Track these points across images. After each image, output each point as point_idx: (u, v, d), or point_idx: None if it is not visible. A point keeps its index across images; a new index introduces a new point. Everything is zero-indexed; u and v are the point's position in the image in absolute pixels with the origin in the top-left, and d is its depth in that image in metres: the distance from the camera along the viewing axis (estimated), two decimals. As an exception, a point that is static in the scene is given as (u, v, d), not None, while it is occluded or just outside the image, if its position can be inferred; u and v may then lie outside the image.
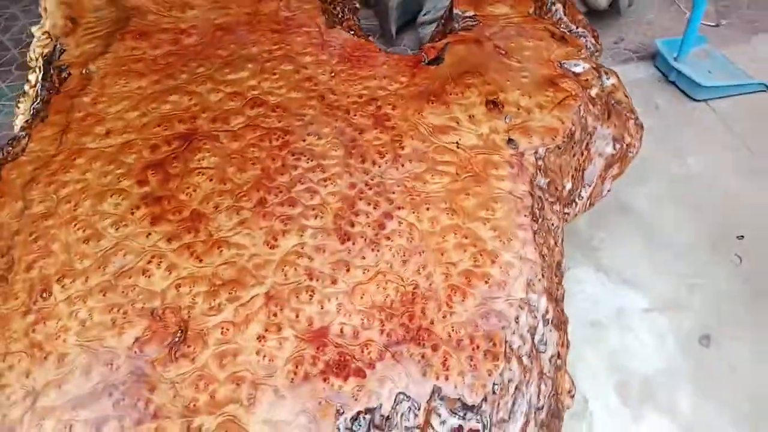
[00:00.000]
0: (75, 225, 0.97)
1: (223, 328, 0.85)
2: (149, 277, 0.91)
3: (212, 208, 1.00)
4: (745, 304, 1.60)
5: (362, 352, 0.83)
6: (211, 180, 1.03)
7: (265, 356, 0.83)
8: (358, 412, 0.78)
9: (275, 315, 0.86)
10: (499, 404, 0.80)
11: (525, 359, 0.84)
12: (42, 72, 1.25)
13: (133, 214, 0.98)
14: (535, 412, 0.82)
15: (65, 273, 0.91)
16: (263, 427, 0.77)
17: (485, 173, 1.04)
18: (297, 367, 0.82)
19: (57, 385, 0.80)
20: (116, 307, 0.88)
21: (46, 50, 1.27)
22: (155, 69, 1.22)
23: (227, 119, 1.12)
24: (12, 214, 0.99)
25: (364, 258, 0.93)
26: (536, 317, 0.88)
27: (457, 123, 1.12)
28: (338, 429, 0.77)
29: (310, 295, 0.89)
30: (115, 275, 0.91)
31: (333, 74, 1.21)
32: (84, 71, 1.21)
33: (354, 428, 0.77)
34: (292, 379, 0.81)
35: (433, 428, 0.78)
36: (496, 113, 1.13)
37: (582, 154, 1.14)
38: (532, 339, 0.86)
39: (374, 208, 0.99)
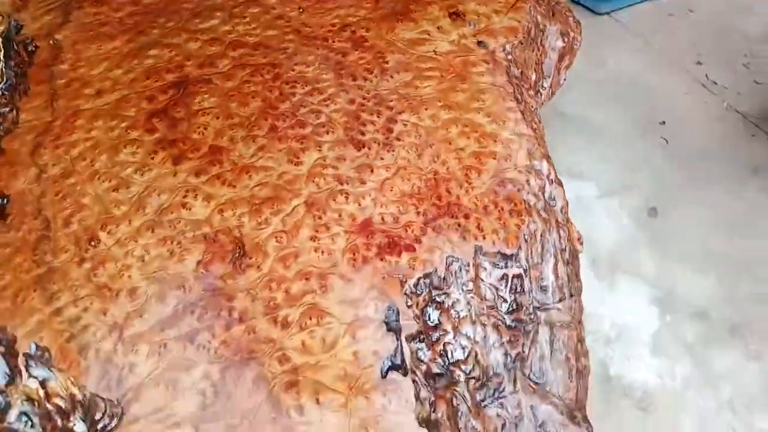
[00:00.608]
0: (99, 178, 1.00)
1: (276, 237, 0.92)
2: (190, 209, 0.96)
3: (228, 141, 1.05)
4: (681, 177, 1.84)
5: (406, 231, 0.93)
6: (218, 118, 1.08)
7: (323, 252, 0.90)
8: (418, 278, 0.88)
9: (320, 218, 0.94)
10: (531, 251, 0.93)
11: (542, 212, 0.97)
12: (2, 50, 1.22)
13: (153, 159, 1.02)
14: (560, 253, 0.95)
15: (106, 221, 0.94)
16: (341, 306, 0.85)
17: (466, 72, 1.15)
18: (354, 254, 0.90)
19: (137, 315, 0.84)
20: (168, 240, 0.92)
21: (1, 28, 1.24)
22: (124, 29, 1.23)
23: (213, 63, 1.17)
24: (29, 180, 1.00)
25: (382, 159, 1.02)
26: (542, 178, 1.01)
27: (429, 35, 1.22)
28: (405, 294, 0.86)
29: (346, 197, 0.97)
30: (157, 213, 0.95)
31: (301, 10, 1.28)
32: (52, 42, 1.20)
33: (417, 291, 0.87)
34: (353, 264, 0.89)
35: (482, 280, 0.89)
36: (460, 22, 1.24)
37: (539, 49, 1.28)
38: (543, 196, 0.99)
39: (377, 116, 1.08)
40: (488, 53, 1.19)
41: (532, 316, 0.89)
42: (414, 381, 0.82)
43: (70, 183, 1.00)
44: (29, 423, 0.73)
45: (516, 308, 0.90)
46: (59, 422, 0.74)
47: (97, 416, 0.77)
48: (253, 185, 0.99)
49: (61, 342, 0.82)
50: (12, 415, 0.72)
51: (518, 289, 0.91)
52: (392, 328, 0.84)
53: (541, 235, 0.95)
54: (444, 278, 0.90)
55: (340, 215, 0.96)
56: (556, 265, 0.93)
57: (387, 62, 1.18)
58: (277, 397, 0.79)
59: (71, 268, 0.90)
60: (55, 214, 0.96)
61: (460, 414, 0.82)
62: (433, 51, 1.19)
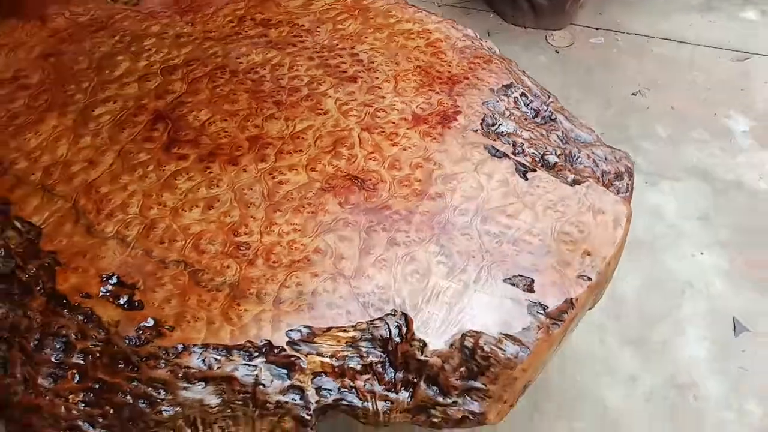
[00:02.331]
0: (183, 209, 0.97)
1: (372, 159, 1.05)
2: (287, 182, 1.02)
3: (255, 128, 1.10)
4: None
5: (445, 105, 1.15)
6: (225, 120, 1.12)
7: (410, 150, 1.07)
8: (480, 124, 1.12)
9: (382, 131, 1.10)
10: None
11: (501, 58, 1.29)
12: None
13: (210, 172, 1.03)
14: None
15: (232, 228, 0.95)
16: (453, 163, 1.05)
17: (363, 4, 1.38)
18: (431, 136, 1.09)
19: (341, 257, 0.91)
20: (299, 208, 0.98)
21: None
22: (43, 109, 1.13)
23: (167, 90, 1.17)
24: (119, 253, 0.92)
25: (377, 77, 1.20)
26: (470, 38, 1.32)
27: (309, -4, 1.40)
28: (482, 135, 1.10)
29: (383, 112, 1.13)
30: (265, 199, 0.99)
31: (192, 24, 1.32)
32: (-21, 155, 1.04)
33: (486, 131, 1.11)
34: (439, 140, 1.09)
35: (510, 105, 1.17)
36: (319, -20, 1.45)
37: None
38: (480, 42, 1.31)
39: (341, 58, 1.25)
40: (361, -11, 1.44)
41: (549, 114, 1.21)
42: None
43: (162, 228, 0.95)
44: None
45: (536, 113, 1.21)
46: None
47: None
48: (313, 142, 1.08)
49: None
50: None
51: (528, 102, 1.22)
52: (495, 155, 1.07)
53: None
54: (493, 116, 1.15)
55: (394, 123, 1.12)
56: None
57: (303, 25, 1.33)
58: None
59: (259, 275, 0.90)
60: (185, 255, 0.92)
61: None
62: (325, 2, 1.39)
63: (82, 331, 0.87)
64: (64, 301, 0.89)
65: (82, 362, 0.86)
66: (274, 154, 1.07)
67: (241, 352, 0.85)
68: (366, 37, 1.31)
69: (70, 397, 0.85)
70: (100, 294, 0.89)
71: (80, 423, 0.85)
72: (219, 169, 1.05)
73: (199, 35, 1.31)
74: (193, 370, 0.84)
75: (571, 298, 0.91)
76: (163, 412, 0.84)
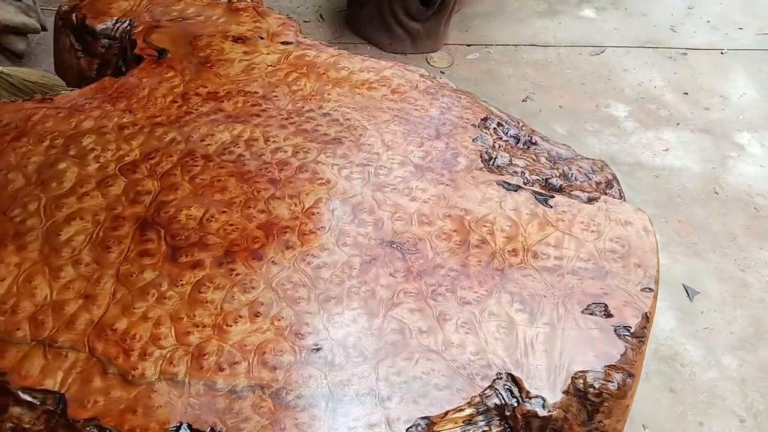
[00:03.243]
0: (224, 320, 0.84)
1: (394, 212, 1.00)
2: (319, 265, 0.92)
3: (263, 215, 0.99)
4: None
5: (450, 141, 1.13)
6: (224, 212, 0.99)
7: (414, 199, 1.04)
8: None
9: (393, 189, 1.05)
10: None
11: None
12: None
13: (235, 273, 0.90)
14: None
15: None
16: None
17: (307, 61, 1.31)
18: (447, 173, 1.07)
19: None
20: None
21: None
22: (-8, 248, 0.91)
23: (139, 192, 1.01)
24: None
25: (361, 135, 1.15)
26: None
27: (249, 60, 1.29)
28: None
29: (387, 169, 1.09)
30: (323, 287, 0.89)
31: (129, 111, 1.15)
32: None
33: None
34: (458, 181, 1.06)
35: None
36: (249, 41, 1.35)
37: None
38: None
39: (313, 120, 1.17)
40: (294, 44, 1.36)
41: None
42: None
43: (214, 353, 0.81)
44: None
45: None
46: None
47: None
48: (332, 215, 1.00)
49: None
50: None
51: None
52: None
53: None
54: (487, 151, 1.15)
55: (401, 177, 1.07)
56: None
57: (256, 92, 1.22)
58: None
59: (350, 375, 0.80)
60: (256, 376, 0.78)
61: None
62: (267, 65, 1.29)
63: (173, 505, 0.71)
64: (134, 475, 0.73)
65: None
66: (296, 237, 0.98)
67: (369, 469, 0.75)
68: (329, 94, 1.24)
69: None
70: (178, 452, 0.74)
71: None
72: (245, 267, 0.92)
73: (144, 123, 1.15)
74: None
75: (645, 313, 0.94)
76: None
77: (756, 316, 1.72)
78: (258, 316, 0.88)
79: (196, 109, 1.19)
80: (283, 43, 1.38)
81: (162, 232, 0.97)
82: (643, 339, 0.92)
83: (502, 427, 0.83)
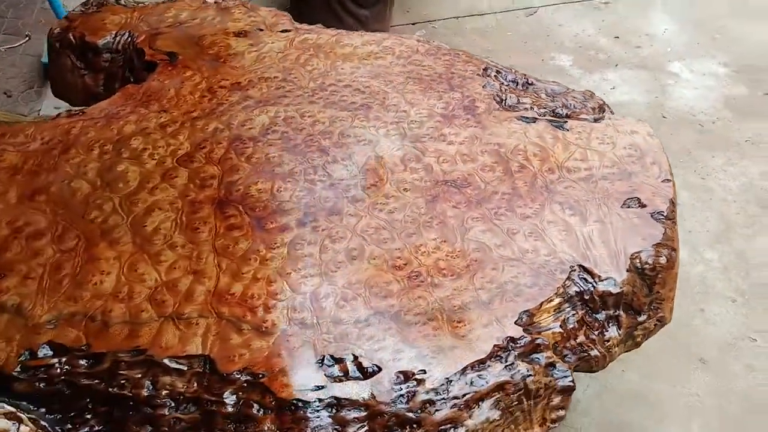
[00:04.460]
0: (329, 269, 0.93)
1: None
2: (399, 195, 1.03)
3: (328, 177, 1.08)
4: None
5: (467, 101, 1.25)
6: (289, 181, 1.07)
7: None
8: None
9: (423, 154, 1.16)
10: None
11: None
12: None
13: (322, 230, 0.99)
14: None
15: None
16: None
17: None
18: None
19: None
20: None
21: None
22: (83, 243, 0.95)
23: (203, 179, 1.07)
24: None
25: (384, 99, 1.25)
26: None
27: (256, 47, 1.37)
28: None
29: (417, 122, 1.20)
30: (404, 226, 0.99)
31: (167, 111, 1.20)
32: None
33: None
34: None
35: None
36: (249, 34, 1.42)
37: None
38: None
39: (340, 93, 1.26)
40: (293, 31, 1.44)
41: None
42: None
43: (334, 296, 0.90)
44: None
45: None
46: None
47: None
48: (390, 168, 1.10)
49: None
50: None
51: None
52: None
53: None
54: (497, 95, 1.29)
55: (433, 127, 1.19)
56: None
57: (276, 76, 1.30)
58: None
59: (452, 292, 0.91)
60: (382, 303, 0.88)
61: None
62: (276, 52, 1.37)
63: (342, 420, 0.80)
64: (299, 403, 0.81)
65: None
66: (362, 191, 1.07)
67: (495, 359, 0.86)
68: (342, 69, 1.34)
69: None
70: (334, 376, 0.83)
71: None
72: (327, 222, 1.01)
73: (183, 118, 1.21)
74: (470, 395, 0.83)
75: (671, 198, 1.10)
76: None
77: (723, 214, 1.95)
78: (355, 259, 0.97)
79: (226, 100, 1.26)
80: (282, 31, 1.46)
81: (240, 207, 1.04)
82: (674, 220, 1.08)
83: (584, 310, 0.96)
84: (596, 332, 0.96)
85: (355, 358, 0.85)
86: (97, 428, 0.83)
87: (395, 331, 0.88)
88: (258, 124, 1.20)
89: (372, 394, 0.82)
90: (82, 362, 0.84)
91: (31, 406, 0.83)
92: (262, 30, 1.46)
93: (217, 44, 1.40)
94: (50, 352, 0.85)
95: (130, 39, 1.43)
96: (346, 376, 0.83)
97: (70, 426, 0.84)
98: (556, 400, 0.90)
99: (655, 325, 1.02)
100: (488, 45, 2.64)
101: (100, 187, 1.08)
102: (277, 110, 1.23)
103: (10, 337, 0.86)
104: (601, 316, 0.97)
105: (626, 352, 1.01)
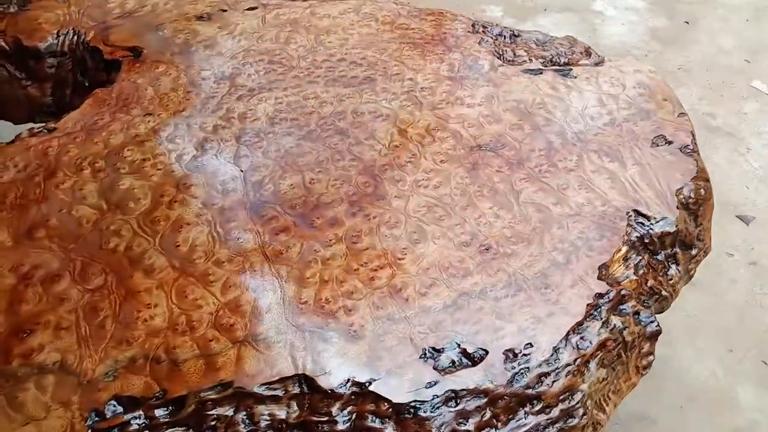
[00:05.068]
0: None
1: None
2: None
3: (353, 163, 1.00)
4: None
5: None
6: (320, 172, 0.99)
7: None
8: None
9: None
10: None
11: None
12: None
13: (372, 217, 0.92)
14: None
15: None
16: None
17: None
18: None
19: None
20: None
21: None
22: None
23: (227, 187, 0.96)
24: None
25: (384, 69, 1.18)
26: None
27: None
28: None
29: (427, 90, 1.14)
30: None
31: (151, 116, 1.06)
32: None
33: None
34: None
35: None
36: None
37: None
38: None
39: (337, 70, 1.17)
40: (260, 7, 1.32)
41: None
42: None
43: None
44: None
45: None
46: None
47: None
48: (418, 146, 1.04)
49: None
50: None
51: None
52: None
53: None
54: (495, 51, 1.25)
55: (446, 91, 1.13)
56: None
57: (260, 59, 1.19)
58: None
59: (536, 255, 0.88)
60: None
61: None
62: (251, 32, 1.25)
63: (464, 412, 0.76)
64: (416, 404, 0.75)
65: None
66: (398, 170, 1.01)
67: (591, 318, 0.85)
68: (330, 42, 1.24)
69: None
70: (442, 368, 0.78)
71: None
72: (376, 209, 0.94)
73: (174, 119, 1.07)
74: (579, 359, 0.81)
75: (691, 131, 1.12)
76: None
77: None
78: (419, 242, 0.91)
79: (215, 93, 1.13)
80: (249, 9, 1.33)
81: (277, 207, 0.95)
82: (697, 152, 1.10)
83: (647, 253, 0.97)
84: (661, 273, 0.98)
85: (458, 345, 0.81)
86: (194, 479, 0.74)
87: (488, 309, 0.84)
88: (262, 115, 1.09)
89: (487, 378, 0.78)
90: (162, 411, 0.74)
91: (111, 472, 0.73)
92: (225, 10, 1.32)
93: (181, 32, 1.26)
94: (120, 408, 0.74)
95: (76, 38, 1.25)
96: (454, 366, 0.79)
97: (160, 483, 0.74)
98: (646, 347, 0.90)
99: (703, 256, 1.05)
100: (418, 3, 2.59)
101: (108, 211, 0.94)
102: (276, 96, 1.13)
103: (67, 400, 0.74)
104: (661, 256, 0.99)
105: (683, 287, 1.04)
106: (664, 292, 0.96)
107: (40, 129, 1.09)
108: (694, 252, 1.02)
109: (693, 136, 1.12)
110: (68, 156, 1.02)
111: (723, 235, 1.82)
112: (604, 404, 0.84)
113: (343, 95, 1.14)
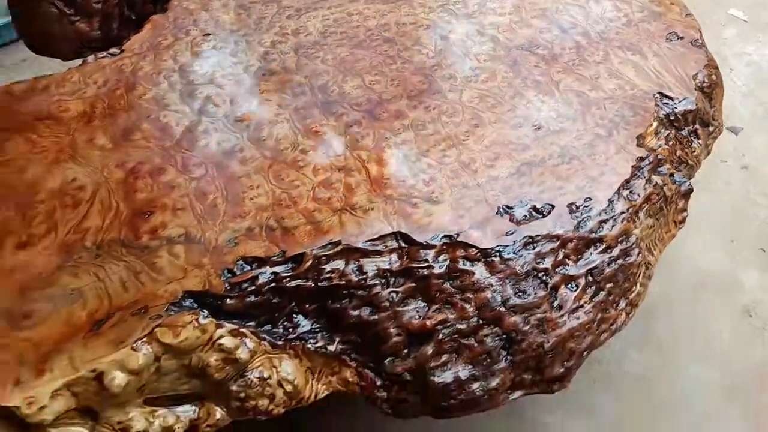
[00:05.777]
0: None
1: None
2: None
3: (404, 65, 1.10)
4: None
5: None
6: (377, 75, 1.08)
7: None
8: None
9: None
10: None
11: None
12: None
13: (432, 108, 1.03)
14: None
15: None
16: None
17: None
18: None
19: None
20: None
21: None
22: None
23: (297, 93, 1.05)
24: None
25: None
26: None
27: None
28: None
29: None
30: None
31: (210, 36, 1.14)
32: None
33: None
34: None
35: None
36: None
37: None
38: None
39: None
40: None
41: None
42: None
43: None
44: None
45: None
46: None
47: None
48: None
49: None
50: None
51: None
52: None
53: None
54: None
55: (483, 8, 1.24)
56: None
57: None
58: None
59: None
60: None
61: None
62: None
63: (540, 253, 0.88)
64: (499, 248, 0.87)
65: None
66: (447, 70, 1.11)
67: (635, 177, 0.97)
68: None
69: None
70: (518, 220, 0.90)
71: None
72: (434, 101, 1.05)
73: (234, 37, 1.15)
74: (630, 209, 0.94)
75: (699, 29, 1.25)
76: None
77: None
78: (478, 126, 1.03)
79: (264, 14, 1.21)
80: None
81: (345, 105, 1.05)
82: (704, 45, 1.24)
83: (673, 128, 1.10)
84: (686, 146, 1.11)
85: (528, 202, 0.92)
86: (313, 325, 0.85)
87: (548, 174, 0.96)
88: (313, 30, 1.18)
89: (557, 225, 0.90)
90: (283, 268, 0.84)
91: (242, 322, 0.83)
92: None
93: None
94: (248, 267, 0.84)
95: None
96: (527, 218, 0.91)
97: (282, 330, 0.84)
98: (681, 203, 1.04)
99: (718, 133, 1.19)
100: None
101: (192, 114, 1.02)
102: (322, 14, 1.22)
103: (200, 263, 0.83)
104: (685, 132, 1.12)
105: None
106: (690, 162, 1.10)
107: (104, 54, 1.16)
108: (711, 129, 1.16)
109: (700, 32, 1.25)
110: (143, 72, 1.09)
111: (716, 145, 1.97)
112: (653, 248, 0.98)
113: (383, 11, 1.23)
